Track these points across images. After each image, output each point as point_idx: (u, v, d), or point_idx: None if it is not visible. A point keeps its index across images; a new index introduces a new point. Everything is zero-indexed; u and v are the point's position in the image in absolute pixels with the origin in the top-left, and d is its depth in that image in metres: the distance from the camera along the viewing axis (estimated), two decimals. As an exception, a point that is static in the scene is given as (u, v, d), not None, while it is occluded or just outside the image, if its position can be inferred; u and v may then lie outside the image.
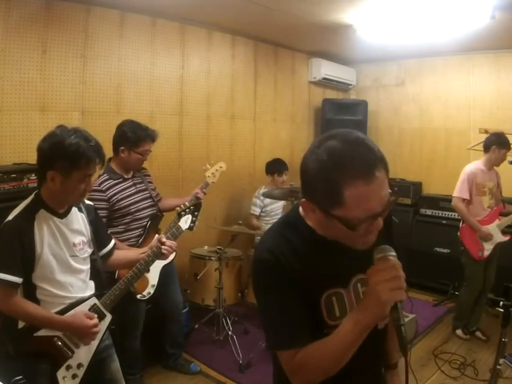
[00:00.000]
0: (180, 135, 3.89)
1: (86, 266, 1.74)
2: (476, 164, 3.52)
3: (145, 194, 2.80)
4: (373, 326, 0.91)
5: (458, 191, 3.46)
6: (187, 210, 2.19)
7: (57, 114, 3.05)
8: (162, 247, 1.88)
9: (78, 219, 1.72)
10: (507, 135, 3.46)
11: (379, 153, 0.91)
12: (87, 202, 1.82)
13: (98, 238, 1.81)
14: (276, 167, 4.11)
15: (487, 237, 3.37)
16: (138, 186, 2.78)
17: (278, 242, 1.02)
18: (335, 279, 0.93)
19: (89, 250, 1.75)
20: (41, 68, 2.95)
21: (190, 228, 2.16)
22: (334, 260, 0.94)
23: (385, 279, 0.86)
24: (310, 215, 0.99)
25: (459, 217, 3.68)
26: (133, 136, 2.64)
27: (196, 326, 3.42)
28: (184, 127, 3.92)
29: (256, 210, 4.09)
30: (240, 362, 3.05)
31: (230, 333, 3.29)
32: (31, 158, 2.83)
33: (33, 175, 2.49)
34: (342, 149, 0.89)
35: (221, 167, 3.04)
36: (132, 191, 2.72)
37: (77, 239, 1.69)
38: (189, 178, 3.93)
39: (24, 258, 1.53)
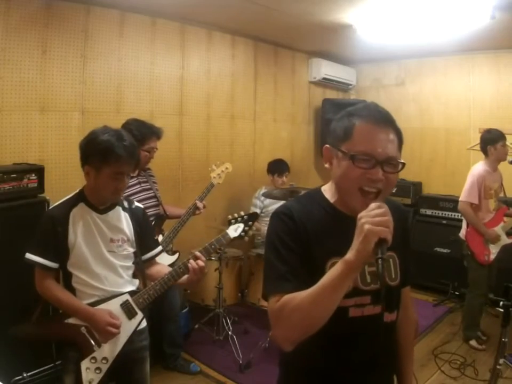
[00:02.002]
0: (180, 135, 3.89)
1: (127, 263, 1.77)
2: (482, 166, 3.38)
3: (149, 193, 2.81)
4: (358, 265, 0.90)
5: (467, 195, 3.30)
6: (239, 219, 2.15)
7: (57, 114, 3.05)
8: (190, 261, 1.73)
9: (121, 218, 1.76)
10: (507, 135, 3.44)
11: (394, 120, 1.08)
12: (137, 204, 1.87)
13: (145, 241, 1.83)
14: (277, 167, 4.11)
15: (496, 239, 3.28)
16: (143, 185, 2.80)
17: (297, 206, 1.13)
18: (343, 249, 0.93)
19: (131, 250, 1.77)
20: (41, 67, 2.95)
21: (241, 237, 2.10)
22: (346, 232, 0.95)
23: (371, 215, 0.90)
24: (329, 166, 1.12)
25: (460, 217, 3.65)
26: (139, 134, 2.66)
27: (196, 326, 3.41)
28: (184, 127, 3.92)
29: (256, 211, 4.09)
30: (240, 362, 3.05)
31: (230, 333, 3.29)
32: (31, 158, 2.86)
33: (33, 175, 2.50)
34: (364, 104, 1.13)
35: (226, 168, 3.09)
36: (137, 189, 2.74)
37: (116, 236, 1.73)
38: (188, 178, 3.93)
39: (57, 246, 1.63)
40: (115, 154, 1.60)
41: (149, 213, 2.73)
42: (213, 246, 1.91)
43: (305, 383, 1.14)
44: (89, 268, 1.66)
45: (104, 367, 1.64)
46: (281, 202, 3.96)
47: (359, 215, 0.91)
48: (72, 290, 1.67)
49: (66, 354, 1.66)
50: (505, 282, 1.91)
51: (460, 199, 3.39)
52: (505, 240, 3.35)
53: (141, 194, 2.75)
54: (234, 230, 2.06)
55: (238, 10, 3.48)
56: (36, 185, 2.51)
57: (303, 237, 1.06)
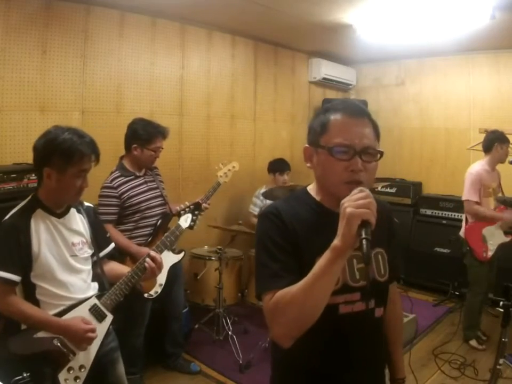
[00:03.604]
0: (180, 135, 3.89)
1: (87, 267, 1.73)
2: (480, 165, 3.43)
3: (156, 192, 2.82)
4: (344, 250, 0.91)
5: (468, 194, 3.34)
6: (187, 209, 2.18)
7: (57, 114, 3.05)
8: (147, 260, 1.77)
9: (77, 220, 1.72)
10: (507, 135, 3.46)
11: (369, 113, 1.11)
12: (87, 204, 1.83)
13: (98, 240, 1.80)
14: (278, 166, 4.11)
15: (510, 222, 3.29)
16: (149, 184, 2.81)
17: (284, 205, 1.15)
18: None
19: (90, 251, 1.74)
20: (41, 67, 2.96)
21: (190, 227, 2.15)
22: (333, 228, 0.96)
23: (352, 199, 0.93)
24: (310, 164, 1.15)
25: (459, 217, 3.65)
26: (145, 134, 2.69)
27: (196, 326, 3.41)
28: (184, 127, 3.92)
29: (256, 210, 4.09)
30: (240, 362, 3.05)
31: (230, 333, 3.29)
32: (31, 158, 2.83)
33: (33, 175, 2.49)
34: (340, 100, 1.15)
35: (233, 167, 3.08)
36: (143, 189, 2.75)
37: (76, 239, 1.68)
38: (188, 178, 3.93)
39: (21, 257, 1.53)
40: (79, 153, 1.55)
41: (155, 212, 2.76)
42: (168, 239, 1.94)
43: (300, 381, 1.15)
44: (55, 277, 1.59)
45: (83, 375, 1.59)
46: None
47: (342, 201, 0.94)
48: (35, 302, 1.56)
49: (39, 371, 1.52)
50: (505, 282, 1.91)
51: (463, 198, 3.40)
52: (502, 238, 3.37)
53: (148, 193, 2.76)
54: (185, 221, 2.10)
55: (238, 10, 3.48)
56: (36, 185, 2.50)
57: (292, 235, 1.07)
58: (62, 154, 1.54)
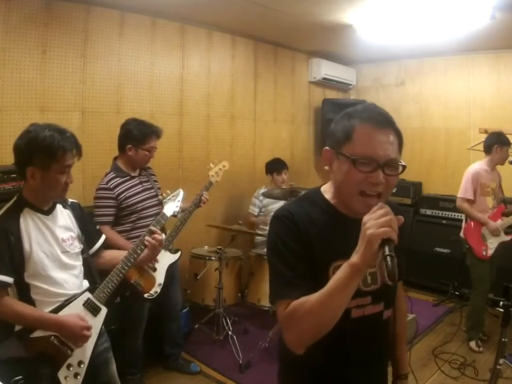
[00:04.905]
0: (180, 135, 3.89)
1: (79, 262, 1.73)
2: (479, 164, 3.49)
3: (151, 192, 2.82)
4: (363, 267, 0.90)
5: (463, 191, 3.43)
6: (168, 198, 2.21)
7: (57, 114, 3.05)
8: (146, 237, 1.82)
9: (64, 215, 1.72)
10: (507, 135, 3.47)
11: (394, 122, 1.07)
12: (72, 200, 1.82)
13: (88, 235, 1.81)
14: (274, 166, 4.13)
15: (496, 231, 3.34)
16: (144, 184, 2.80)
17: (297, 208, 1.12)
18: (346, 252, 0.93)
19: (80, 246, 1.74)
20: (41, 67, 2.96)
21: (174, 215, 2.17)
22: (347, 234, 0.95)
23: (374, 218, 0.90)
24: (329, 168, 1.11)
25: (460, 217, 3.67)
26: (139, 134, 2.68)
27: (196, 326, 3.41)
28: (184, 127, 3.92)
29: (255, 210, 4.11)
30: (240, 362, 3.05)
31: (230, 333, 3.29)
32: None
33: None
34: (364, 106, 1.12)
35: (224, 166, 3.10)
36: (139, 189, 2.74)
37: (65, 235, 1.68)
38: (189, 178, 3.93)
39: (13, 258, 1.52)
40: (62, 148, 1.55)
41: (151, 212, 2.75)
42: (153, 228, 1.96)
43: (305, 379, 1.17)
44: (48, 275, 1.58)
45: (82, 371, 1.59)
46: (280, 202, 4.01)
47: (364, 220, 0.91)
48: (31, 302, 1.55)
49: (37, 372, 1.51)
50: (505, 282, 1.91)
51: (458, 195, 3.49)
52: (503, 237, 3.39)
53: (143, 194, 2.76)
54: (169, 209, 2.11)
55: (238, 10, 3.48)
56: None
57: (305, 239, 1.06)
58: (45, 151, 1.53)
